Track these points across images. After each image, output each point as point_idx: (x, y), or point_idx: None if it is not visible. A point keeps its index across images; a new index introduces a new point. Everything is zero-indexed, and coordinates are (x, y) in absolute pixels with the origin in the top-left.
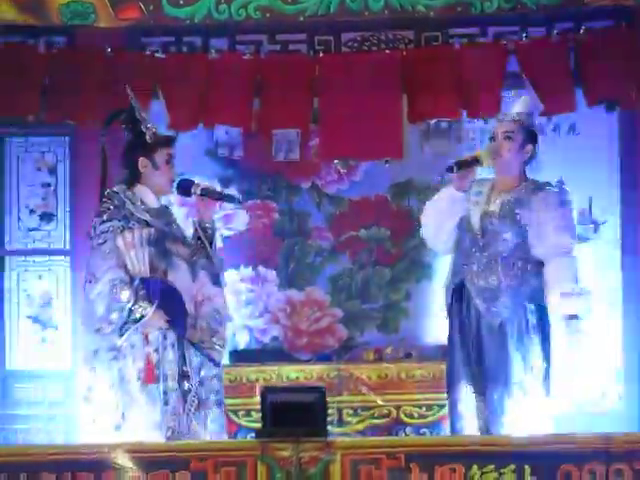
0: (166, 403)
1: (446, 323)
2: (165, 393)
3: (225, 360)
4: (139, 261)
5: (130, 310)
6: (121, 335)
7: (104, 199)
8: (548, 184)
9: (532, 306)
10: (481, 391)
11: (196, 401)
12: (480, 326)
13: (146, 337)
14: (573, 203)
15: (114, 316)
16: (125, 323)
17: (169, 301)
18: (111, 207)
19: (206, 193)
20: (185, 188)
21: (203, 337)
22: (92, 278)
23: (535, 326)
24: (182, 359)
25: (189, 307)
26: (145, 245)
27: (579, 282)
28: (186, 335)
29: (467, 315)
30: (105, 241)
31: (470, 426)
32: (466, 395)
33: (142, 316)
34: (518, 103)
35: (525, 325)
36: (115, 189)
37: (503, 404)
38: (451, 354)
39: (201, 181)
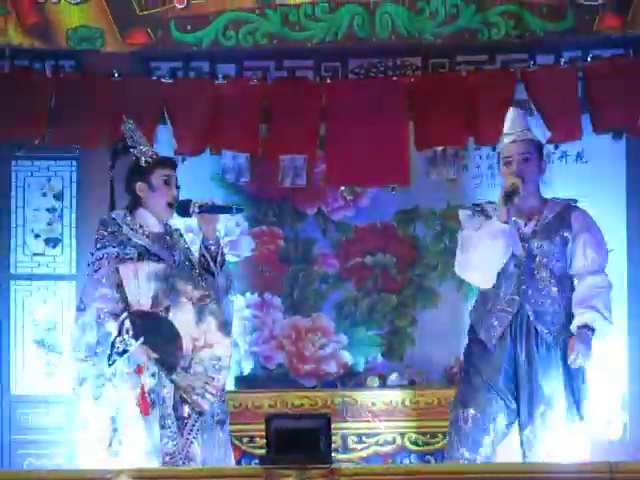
0: (163, 427)
1: (466, 351)
2: (162, 417)
3: (230, 386)
4: (142, 294)
5: (113, 343)
6: (110, 365)
7: (99, 226)
8: (574, 201)
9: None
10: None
11: (197, 426)
12: (538, 352)
13: (138, 368)
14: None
15: (98, 348)
16: (110, 355)
17: (162, 339)
18: (105, 234)
19: (204, 209)
20: (183, 208)
21: (195, 382)
22: (81, 305)
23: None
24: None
25: (186, 349)
26: (152, 280)
27: (606, 301)
28: (173, 376)
29: (520, 340)
30: (99, 269)
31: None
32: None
33: (125, 350)
34: (515, 121)
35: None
36: (112, 215)
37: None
38: (482, 375)
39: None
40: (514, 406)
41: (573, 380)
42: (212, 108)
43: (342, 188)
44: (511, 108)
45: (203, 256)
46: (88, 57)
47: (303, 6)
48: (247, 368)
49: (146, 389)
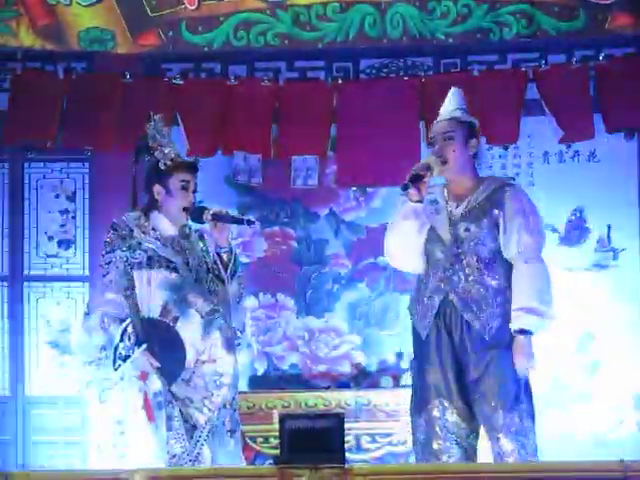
0: (170, 429)
1: (413, 345)
2: (169, 419)
3: (243, 387)
4: (152, 302)
5: (115, 349)
6: (115, 369)
7: (109, 230)
8: (511, 179)
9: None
10: (461, 413)
11: (207, 429)
12: (470, 340)
13: (142, 374)
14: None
15: (103, 352)
16: (115, 360)
17: (167, 348)
18: (114, 238)
19: (217, 218)
20: (197, 215)
21: (194, 396)
22: (87, 310)
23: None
24: (194, 385)
25: (189, 361)
26: (164, 289)
27: (541, 292)
28: (173, 387)
29: (451, 331)
30: (107, 273)
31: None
32: (447, 419)
33: (127, 356)
34: (449, 100)
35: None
36: (124, 218)
37: (494, 424)
38: (425, 376)
39: (213, 207)
40: (464, 408)
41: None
42: (224, 109)
43: (354, 188)
44: (452, 89)
45: (215, 263)
46: (100, 59)
47: (314, 6)
48: (260, 369)
49: (153, 392)
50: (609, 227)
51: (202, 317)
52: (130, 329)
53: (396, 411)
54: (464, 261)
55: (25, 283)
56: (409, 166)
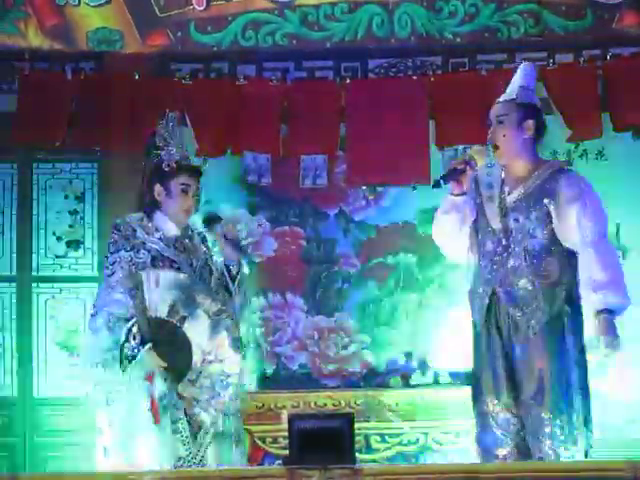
0: (175, 432)
1: (472, 337)
2: (174, 422)
3: (253, 386)
4: (160, 302)
5: (121, 349)
6: (123, 371)
7: (112, 230)
8: (566, 163)
9: (569, 308)
10: (516, 409)
11: (212, 430)
12: (516, 336)
13: (149, 376)
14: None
15: (109, 353)
16: (121, 361)
17: (174, 348)
18: (118, 238)
19: (226, 239)
20: (210, 222)
21: (200, 396)
22: (94, 312)
23: (573, 331)
24: (199, 387)
25: (196, 362)
26: (172, 289)
27: (614, 272)
28: (179, 387)
29: (500, 326)
30: (112, 273)
31: (504, 448)
32: (498, 414)
33: (133, 356)
34: (514, 79)
35: (562, 331)
36: (127, 218)
37: (543, 423)
38: (481, 370)
39: (227, 220)
40: (514, 405)
41: (562, 366)
42: (232, 109)
43: (363, 188)
44: (522, 65)
45: (222, 274)
46: (108, 59)
47: (322, 6)
48: (270, 369)
49: (158, 394)
50: (618, 225)
51: (209, 317)
52: (135, 329)
53: (406, 410)
54: (512, 253)
55: (34, 284)
56: (418, 165)
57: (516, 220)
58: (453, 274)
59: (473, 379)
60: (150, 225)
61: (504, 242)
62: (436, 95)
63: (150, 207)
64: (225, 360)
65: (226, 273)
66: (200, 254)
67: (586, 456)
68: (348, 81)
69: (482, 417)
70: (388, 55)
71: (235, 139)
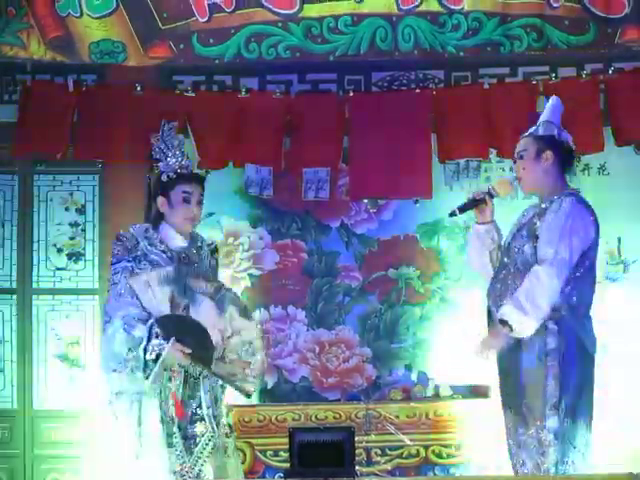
0: (169, 446)
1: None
2: (169, 436)
3: (254, 399)
4: (159, 301)
5: (145, 350)
6: (146, 377)
7: (115, 241)
8: (574, 189)
9: (553, 325)
10: (513, 424)
11: (211, 444)
12: (506, 352)
13: (173, 372)
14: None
15: (129, 355)
16: (145, 365)
17: (190, 336)
18: (120, 249)
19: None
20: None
21: (234, 369)
22: (107, 318)
23: (557, 348)
24: (197, 401)
25: (216, 340)
26: (164, 284)
27: (534, 296)
28: (212, 368)
29: None
30: (117, 282)
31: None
32: (513, 428)
33: (159, 354)
34: (543, 112)
35: (544, 346)
36: (131, 230)
37: (517, 438)
38: (499, 384)
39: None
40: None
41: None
42: (235, 122)
43: (365, 201)
44: (551, 98)
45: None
46: (110, 71)
47: (326, 19)
48: (271, 382)
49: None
50: (619, 240)
51: (211, 297)
52: (156, 327)
53: (407, 424)
54: (508, 270)
55: (34, 296)
56: (420, 179)
57: (515, 239)
58: (454, 287)
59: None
60: (155, 236)
61: (504, 260)
62: (439, 108)
63: (155, 219)
64: (242, 330)
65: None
66: (205, 266)
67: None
68: (351, 94)
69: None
70: (391, 68)
71: (237, 152)
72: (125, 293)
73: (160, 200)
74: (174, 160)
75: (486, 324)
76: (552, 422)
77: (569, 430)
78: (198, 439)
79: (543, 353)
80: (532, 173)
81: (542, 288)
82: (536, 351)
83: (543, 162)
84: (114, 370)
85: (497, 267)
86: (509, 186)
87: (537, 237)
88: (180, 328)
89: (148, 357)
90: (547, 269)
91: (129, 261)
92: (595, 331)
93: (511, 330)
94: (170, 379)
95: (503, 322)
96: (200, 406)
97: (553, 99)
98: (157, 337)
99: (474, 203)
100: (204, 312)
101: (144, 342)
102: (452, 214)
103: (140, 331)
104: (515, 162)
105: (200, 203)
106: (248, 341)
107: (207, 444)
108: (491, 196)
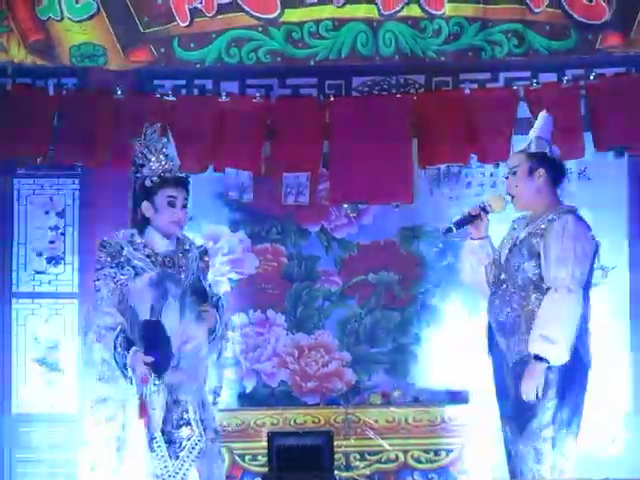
0: (151, 450)
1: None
2: (152, 440)
3: (233, 404)
4: (144, 307)
5: (115, 358)
6: (131, 383)
7: (99, 247)
8: (571, 207)
9: None
10: (509, 435)
11: (197, 449)
12: (505, 364)
13: (144, 378)
14: (586, 236)
15: (104, 365)
16: (122, 372)
17: (156, 343)
18: (102, 256)
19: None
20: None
21: (182, 378)
22: (86, 327)
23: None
24: (183, 405)
25: (175, 347)
26: (148, 289)
27: (560, 322)
28: (165, 378)
29: (496, 355)
30: (99, 290)
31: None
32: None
33: (124, 363)
34: (533, 128)
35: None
36: (115, 236)
37: (521, 447)
38: (496, 397)
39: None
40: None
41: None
42: (215, 126)
43: (345, 206)
44: (540, 114)
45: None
46: (91, 75)
47: (307, 24)
48: (249, 386)
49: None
50: (598, 245)
51: (178, 300)
52: (121, 336)
53: (386, 428)
54: (506, 286)
55: (13, 300)
56: (401, 184)
57: (513, 255)
58: (434, 292)
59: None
60: (140, 241)
61: (501, 276)
62: (419, 113)
63: (140, 224)
64: (194, 337)
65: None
66: (192, 270)
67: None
68: (332, 99)
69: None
70: (372, 73)
71: (217, 156)
72: (104, 300)
73: (145, 205)
74: (157, 164)
75: (486, 339)
76: (548, 432)
77: (563, 440)
78: (184, 443)
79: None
80: (526, 190)
81: (568, 316)
82: None
83: (537, 180)
84: (99, 379)
85: (493, 282)
86: (503, 201)
87: (539, 255)
88: (151, 334)
89: (119, 367)
90: (568, 296)
91: (112, 267)
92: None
93: (548, 363)
94: (144, 382)
95: (539, 359)
96: (186, 410)
97: (543, 115)
98: (120, 346)
99: (470, 219)
100: (171, 317)
101: (111, 352)
102: (448, 230)
103: (109, 341)
104: (507, 178)
105: (185, 207)
106: (198, 347)
107: (193, 448)
108: (486, 212)
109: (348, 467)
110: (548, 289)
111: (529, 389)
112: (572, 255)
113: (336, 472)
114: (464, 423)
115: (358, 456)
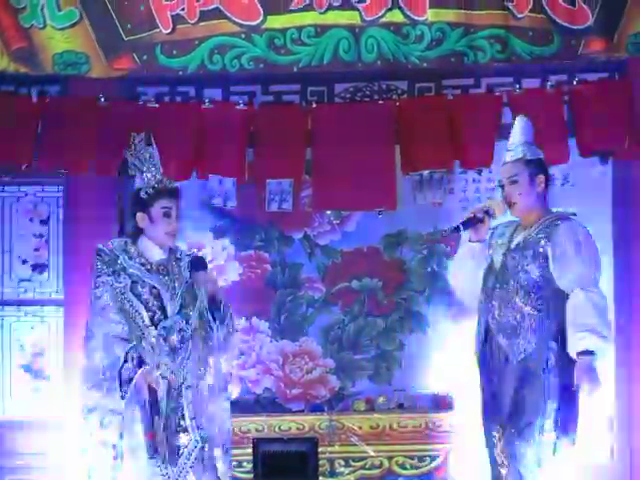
0: (152, 457)
1: (476, 368)
2: (151, 446)
3: None
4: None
5: (120, 372)
6: (122, 397)
7: (95, 255)
8: (573, 214)
9: (554, 343)
10: (506, 438)
11: (194, 456)
12: (505, 366)
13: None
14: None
15: (106, 374)
16: (121, 384)
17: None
18: (100, 263)
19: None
20: (196, 266)
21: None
22: (89, 333)
23: (556, 365)
24: (180, 412)
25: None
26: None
27: (601, 317)
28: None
29: (493, 356)
30: (100, 296)
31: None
32: (500, 444)
33: (130, 378)
34: (515, 133)
35: (546, 364)
36: (110, 243)
37: (521, 450)
38: (484, 401)
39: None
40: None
41: (541, 397)
42: (198, 133)
43: (328, 212)
44: (517, 118)
45: (206, 309)
46: (74, 82)
47: (289, 31)
48: (234, 393)
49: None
50: None
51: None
52: (133, 351)
53: (370, 435)
54: (507, 287)
55: None
56: (384, 190)
57: (513, 258)
58: (418, 299)
59: (481, 409)
60: (134, 250)
61: (501, 277)
62: (402, 119)
63: (134, 233)
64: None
65: (207, 311)
66: (185, 278)
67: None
68: (314, 105)
69: (487, 445)
70: (354, 79)
71: (201, 163)
72: (107, 307)
73: (140, 216)
74: (150, 175)
75: (482, 341)
76: (550, 434)
77: (563, 441)
78: (182, 450)
79: (543, 368)
80: (528, 197)
81: (604, 308)
82: (536, 367)
83: (537, 186)
84: (92, 387)
85: (487, 287)
86: (504, 207)
87: (545, 258)
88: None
89: (123, 378)
90: (595, 292)
91: (109, 275)
92: None
93: (594, 356)
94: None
95: (588, 353)
96: (183, 417)
97: (523, 119)
98: (132, 360)
99: (475, 221)
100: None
101: (121, 363)
102: (456, 229)
103: (119, 350)
104: (503, 187)
105: (178, 217)
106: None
107: (190, 455)
108: (489, 216)
109: (333, 473)
110: (552, 292)
111: (592, 384)
112: (592, 255)
113: (321, 478)
114: (449, 429)
115: (343, 462)
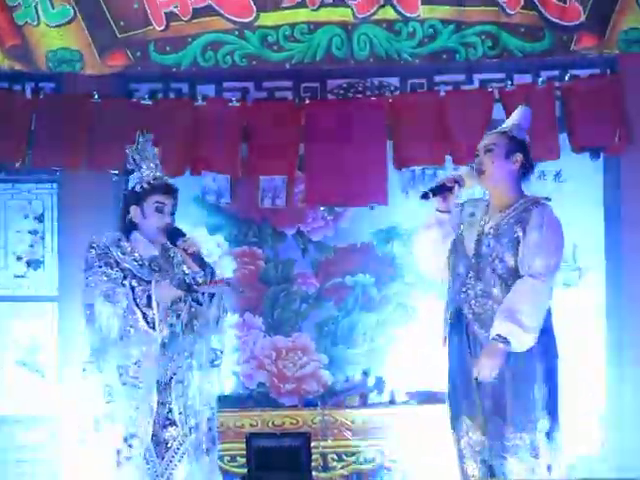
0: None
1: (445, 357)
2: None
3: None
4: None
5: (134, 299)
6: (153, 328)
7: (88, 248)
8: (545, 198)
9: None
10: (483, 430)
11: (182, 450)
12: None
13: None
14: (561, 228)
15: (115, 322)
16: (145, 316)
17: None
18: (92, 256)
19: (190, 255)
20: (172, 237)
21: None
22: (88, 311)
23: (538, 353)
24: (168, 406)
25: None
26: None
27: (533, 307)
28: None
29: (467, 345)
30: (95, 285)
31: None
32: (468, 434)
33: (149, 296)
34: (511, 116)
35: (527, 352)
36: (103, 238)
37: (503, 443)
38: (452, 389)
39: (192, 236)
40: (480, 420)
41: (524, 384)
42: (192, 129)
43: (321, 208)
44: (520, 106)
45: (193, 279)
46: (68, 79)
47: (282, 27)
48: (228, 388)
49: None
50: (575, 246)
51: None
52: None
53: (363, 429)
54: (482, 276)
55: None
56: (376, 186)
57: (488, 245)
58: (410, 293)
59: (448, 400)
60: (127, 245)
61: (475, 265)
62: (394, 116)
63: (127, 228)
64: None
65: (194, 285)
66: (177, 273)
67: (549, 470)
68: (307, 102)
69: (457, 440)
70: (347, 76)
71: (194, 159)
72: (101, 294)
73: (133, 210)
74: (148, 172)
75: (447, 331)
76: (543, 424)
77: (554, 432)
78: (170, 444)
79: (531, 357)
80: (499, 170)
81: (540, 303)
82: (525, 355)
83: (512, 163)
84: (108, 399)
85: (461, 274)
86: (472, 178)
87: (519, 244)
88: None
89: (140, 302)
90: (543, 284)
91: (100, 267)
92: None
93: (508, 345)
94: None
95: (501, 338)
96: (171, 411)
97: (524, 108)
98: (139, 284)
99: (445, 189)
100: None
101: (130, 293)
102: (424, 196)
103: (121, 292)
104: (478, 155)
105: (172, 214)
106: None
107: (178, 449)
108: (459, 185)
109: (326, 468)
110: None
111: (486, 370)
112: (552, 244)
113: (314, 473)
114: (442, 423)
115: (335, 457)
